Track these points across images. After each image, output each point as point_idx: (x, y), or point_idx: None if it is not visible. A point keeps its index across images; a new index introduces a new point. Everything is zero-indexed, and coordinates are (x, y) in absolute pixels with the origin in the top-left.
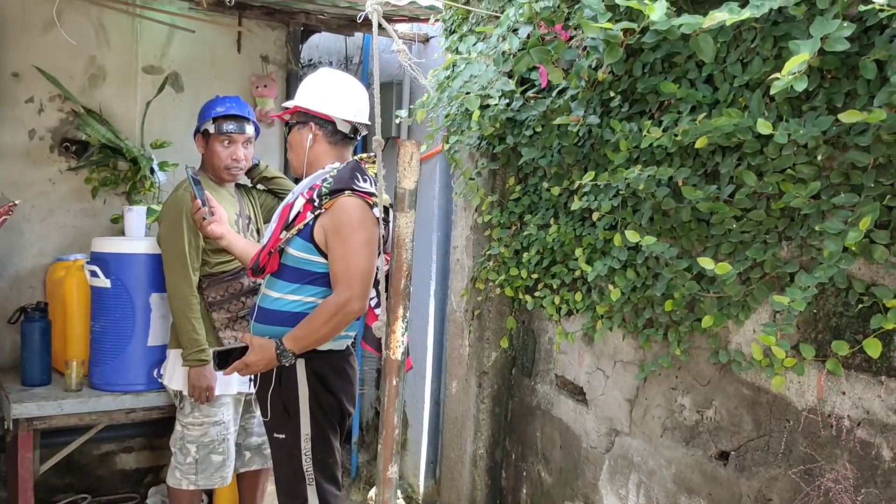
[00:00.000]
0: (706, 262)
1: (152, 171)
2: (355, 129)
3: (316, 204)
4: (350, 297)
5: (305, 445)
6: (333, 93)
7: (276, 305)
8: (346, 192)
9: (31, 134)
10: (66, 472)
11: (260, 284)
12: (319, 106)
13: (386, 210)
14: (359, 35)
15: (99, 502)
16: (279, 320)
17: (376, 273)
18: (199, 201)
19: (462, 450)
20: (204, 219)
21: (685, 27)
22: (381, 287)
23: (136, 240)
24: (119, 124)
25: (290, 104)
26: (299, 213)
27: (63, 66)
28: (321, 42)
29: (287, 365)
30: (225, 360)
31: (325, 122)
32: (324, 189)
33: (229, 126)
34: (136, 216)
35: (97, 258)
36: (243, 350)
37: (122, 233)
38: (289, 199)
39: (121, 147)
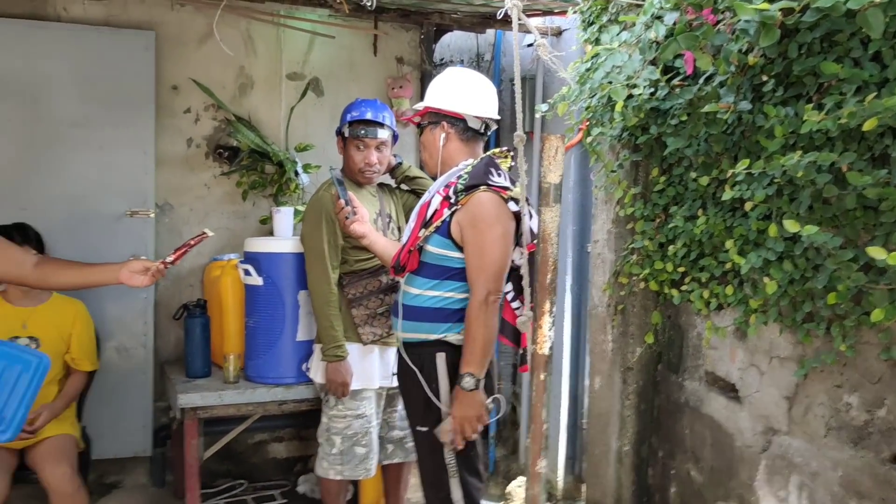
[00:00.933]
0: (877, 252)
1: (297, 173)
2: (486, 125)
3: (452, 200)
4: (488, 291)
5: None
6: (462, 91)
7: (417, 302)
8: (482, 187)
9: (188, 142)
10: (225, 459)
11: (398, 282)
12: (450, 105)
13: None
14: (490, 32)
15: (253, 488)
16: (422, 316)
17: (511, 266)
18: (342, 201)
19: (606, 446)
20: (347, 218)
21: (852, 2)
22: (525, 282)
23: (285, 239)
24: (266, 130)
25: (420, 106)
26: (436, 210)
27: (216, 77)
28: (452, 41)
29: (434, 364)
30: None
31: (456, 121)
32: (459, 185)
33: (361, 131)
34: (283, 217)
35: (249, 258)
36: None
37: (270, 233)
38: (425, 197)
39: (268, 151)
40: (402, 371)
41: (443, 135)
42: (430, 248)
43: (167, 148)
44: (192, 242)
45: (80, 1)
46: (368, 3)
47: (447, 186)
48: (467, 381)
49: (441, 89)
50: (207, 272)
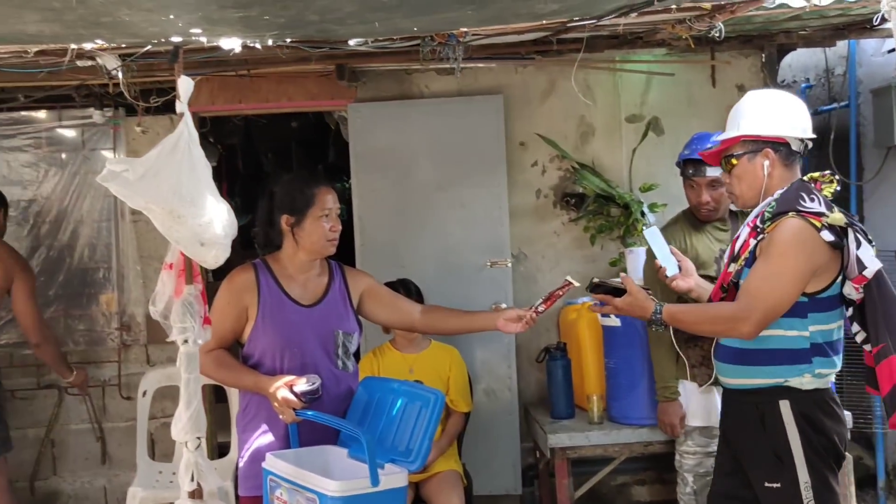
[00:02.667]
0: None
1: (643, 213)
2: (806, 146)
3: (759, 230)
4: (747, 317)
5: (807, 494)
6: (780, 112)
7: (743, 344)
8: (790, 213)
9: (537, 193)
10: (588, 501)
11: None
12: (770, 129)
13: (844, 231)
14: (841, 44)
15: None
16: (753, 360)
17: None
18: (657, 261)
19: None
20: (667, 277)
21: None
22: (874, 320)
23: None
24: (609, 174)
25: (728, 136)
26: (744, 242)
27: (558, 129)
28: (794, 60)
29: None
30: (600, 290)
31: (779, 145)
32: (767, 214)
33: (690, 171)
34: (636, 257)
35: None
36: (620, 291)
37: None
38: (739, 231)
39: (613, 195)
40: (737, 422)
41: (766, 162)
42: (742, 282)
43: (518, 200)
44: (560, 293)
45: (438, 77)
46: (716, 34)
47: (756, 217)
48: (656, 322)
49: (755, 114)
50: (563, 316)
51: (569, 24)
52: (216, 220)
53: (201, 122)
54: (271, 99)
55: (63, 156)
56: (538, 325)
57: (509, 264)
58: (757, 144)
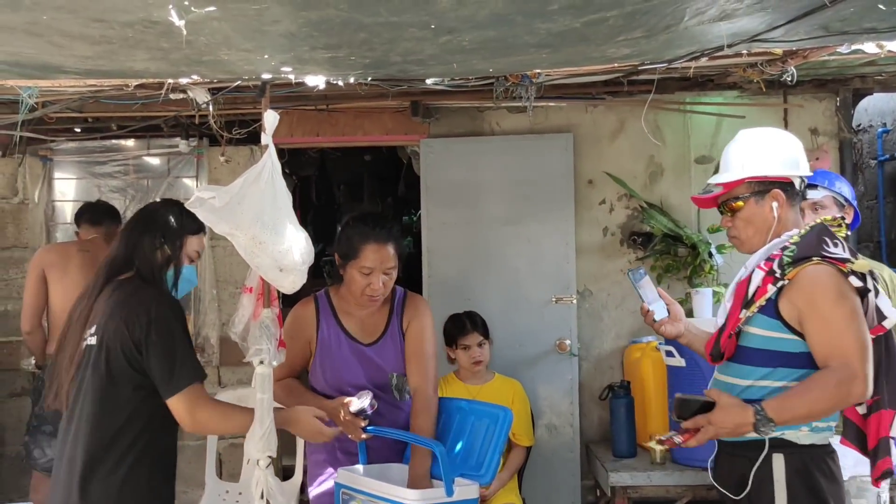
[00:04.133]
0: None
1: (710, 254)
2: (804, 185)
3: (777, 275)
4: (854, 376)
5: None
6: (784, 151)
7: (747, 395)
8: (814, 258)
9: (604, 231)
10: None
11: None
12: (778, 169)
13: (863, 278)
14: None
15: None
16: None
17: None
18: (644, 305)
19: None
20: (654, 321)
21: None
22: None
23: (705, 320)
24: (676, 214)
25: (731, 178)
26: (759, 287)
27: (627, 168)
28: (871, 105)
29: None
30: (688, 409)
31: (786, 185)
32: (786, 258)
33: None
34: (702, 298)
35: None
36: (708, 405)
37: (687, 315)
38: (741, 274)
39: (680, 235)
40: (727, 477)
41: (775, 204)
42: (753, 330)
43: (585, 238)
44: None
45: (509, 115)
46: (788, 78)
47: (769, 260)
48: (765, 423)
49: (759, 153)
50: (627, 354)
51: (640, 67)
52: (295, 247)
53: (280, 154)
54: (347, 133)
55: (149, 182)
56: (601, 362)
57: (574, 301)
58: (764, 185)
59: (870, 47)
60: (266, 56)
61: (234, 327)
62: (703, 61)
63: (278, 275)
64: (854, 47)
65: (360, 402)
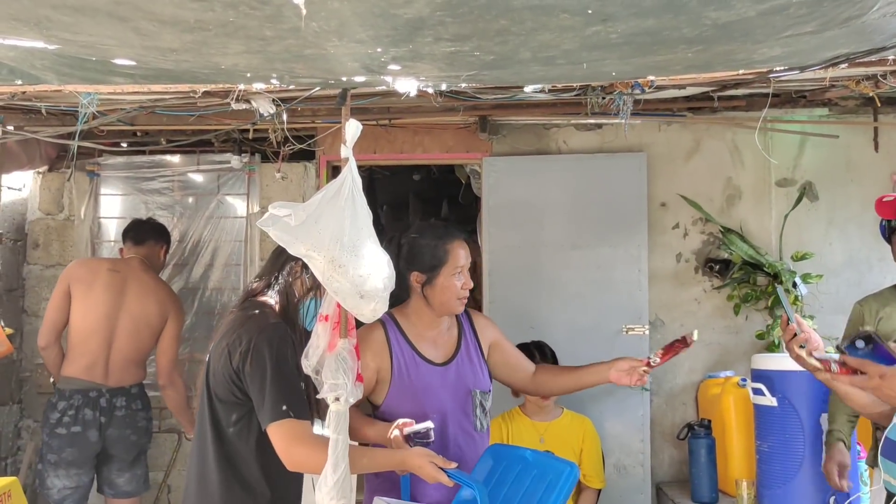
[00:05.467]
0: None
1: (795, 284)
2: None
3: None
4: None
5: None
6: None
7: None
8: None
9: (677, 257)
10: None
11: None
12: None
13: None
14: None
15: None
16: None
17: None
18: (792, 325)
19: None
20: (794, 335)
21: None
22: None
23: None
24: (755, 240)
25: None
26: None
27: (702, 191)
28: None
29: None
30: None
31: None
32: None
33: None
34: None
35: (760, 375)
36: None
37: (766, 349)
38: None
39: (761, 262)
40: None
41: None
42: None
43: (657, 264)
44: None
45: (576, 133)
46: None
47: None
48: None
49: None
50: (703, 390)
51: (735, 80)
52: (376, 271)
53: (332, 171)
54: (406, 150)
55: (197, 200)
56: (673, 398)
57: (646, 331)
58: None
59: None
60: (379, 49)
61: (307, 359)
62: (822, 71)
63: (358, 302)
64: None
65: (418, 425)
